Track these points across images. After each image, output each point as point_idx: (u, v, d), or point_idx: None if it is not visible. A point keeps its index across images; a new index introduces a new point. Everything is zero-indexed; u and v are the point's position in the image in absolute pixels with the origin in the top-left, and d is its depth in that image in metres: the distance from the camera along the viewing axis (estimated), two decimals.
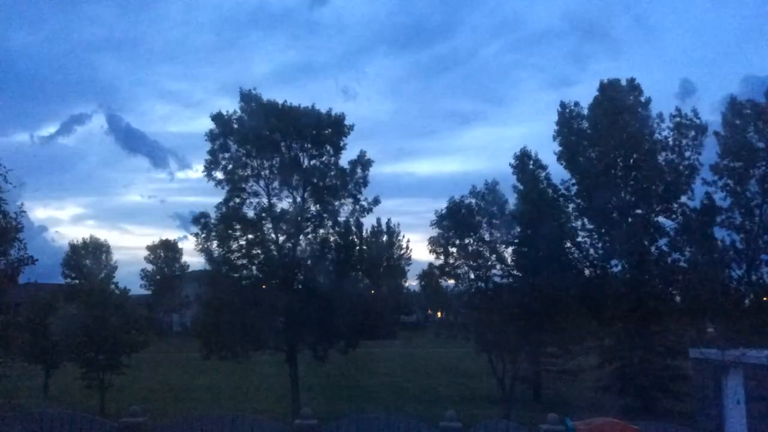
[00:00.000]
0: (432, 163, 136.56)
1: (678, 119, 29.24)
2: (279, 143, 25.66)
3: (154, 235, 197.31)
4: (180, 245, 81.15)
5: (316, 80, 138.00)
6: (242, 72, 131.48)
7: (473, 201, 28.12)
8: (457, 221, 27.84)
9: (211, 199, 26.38)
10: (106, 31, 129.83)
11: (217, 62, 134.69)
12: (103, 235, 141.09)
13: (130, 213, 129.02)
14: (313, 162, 26.04)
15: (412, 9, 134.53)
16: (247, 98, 25.88)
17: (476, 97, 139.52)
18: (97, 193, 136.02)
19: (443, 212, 28.17)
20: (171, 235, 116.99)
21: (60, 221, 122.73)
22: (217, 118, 25.62)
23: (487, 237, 28.29)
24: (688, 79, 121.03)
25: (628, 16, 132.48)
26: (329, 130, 25.81)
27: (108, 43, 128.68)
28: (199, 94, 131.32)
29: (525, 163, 30.17)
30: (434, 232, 28.41)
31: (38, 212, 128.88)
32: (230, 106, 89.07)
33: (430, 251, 28.51)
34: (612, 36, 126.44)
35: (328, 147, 25.91)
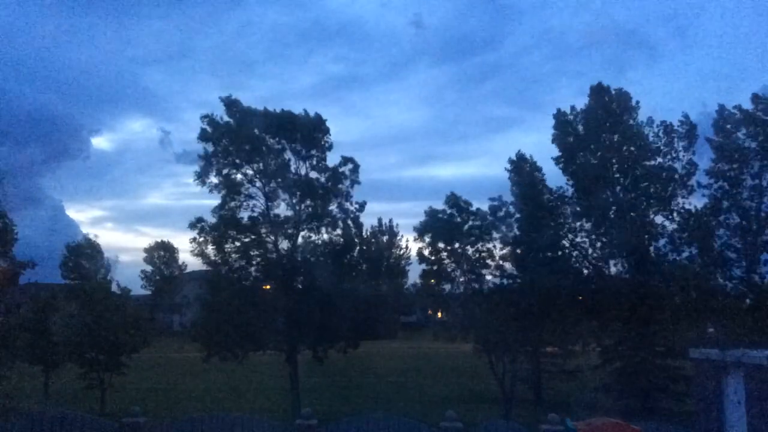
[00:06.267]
0: (456, 167, 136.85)
1: (667, 122, 29.52)
2: (268, 145, 25.67)
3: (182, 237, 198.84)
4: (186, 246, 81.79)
5: (358, 91, 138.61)
6: (287, 84, 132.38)
7: (454, 211, 27.99)
8: (437, 230, 27.77)
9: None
10: (156, 45, 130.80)
11: (262, 75, 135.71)
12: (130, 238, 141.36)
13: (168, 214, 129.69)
14: (305, 163, 26.14)
15: (460, 24, 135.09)
16: (229, 105, 25.81)
17: (513, 103, 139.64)
18: (130, 195, 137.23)
19: (425, 222, 28.04)
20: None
21: (83, 223, 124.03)
22: (208, 120, 25.47)
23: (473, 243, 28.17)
24: (721, 88, 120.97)
25: (669, 26, 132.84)
26: (315, 132, 25.96)
27: (157, 56, 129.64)
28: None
29: (521, 167, 30.29)
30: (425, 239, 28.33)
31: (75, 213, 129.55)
32: None
33: (420, 262, 28.50)
34: (651, 44, 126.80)
35: (314, 151, 26.07)
